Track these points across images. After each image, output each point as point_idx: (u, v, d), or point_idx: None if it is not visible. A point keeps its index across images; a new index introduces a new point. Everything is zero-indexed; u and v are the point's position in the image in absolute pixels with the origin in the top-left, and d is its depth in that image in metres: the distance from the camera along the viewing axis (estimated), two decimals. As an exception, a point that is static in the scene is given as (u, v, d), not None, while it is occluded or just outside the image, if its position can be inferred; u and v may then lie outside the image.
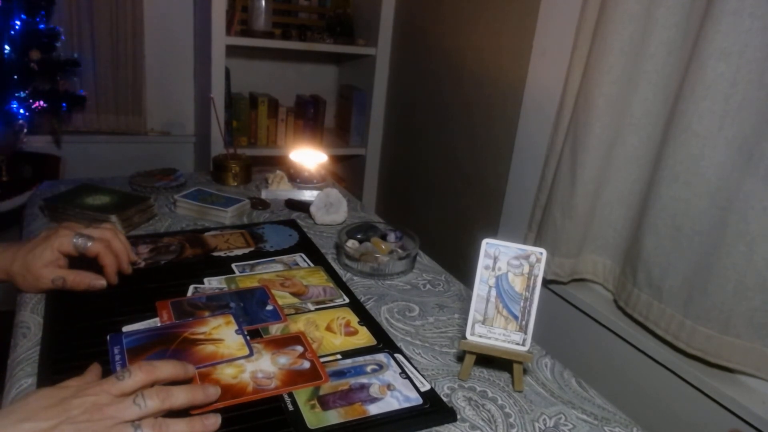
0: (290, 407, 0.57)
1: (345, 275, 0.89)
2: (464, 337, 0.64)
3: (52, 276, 0.71)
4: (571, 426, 0.61)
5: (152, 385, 0.52)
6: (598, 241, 1.26)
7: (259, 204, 1.15)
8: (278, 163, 1.91)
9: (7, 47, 1.77)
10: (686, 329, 1.04)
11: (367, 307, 0.80)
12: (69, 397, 0.47)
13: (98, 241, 0.74)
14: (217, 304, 0.75)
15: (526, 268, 0.63)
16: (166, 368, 0.53)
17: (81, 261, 0.75)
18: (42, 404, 0.46)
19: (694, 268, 1.02)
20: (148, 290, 0.77)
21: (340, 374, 0.63)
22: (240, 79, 2.29)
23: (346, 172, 2.62)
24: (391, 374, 0.64)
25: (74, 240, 0.73)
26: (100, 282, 0.74)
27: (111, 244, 0.75)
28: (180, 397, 0.51)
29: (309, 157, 1.31)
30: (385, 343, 0.71)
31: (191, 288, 0.79)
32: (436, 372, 0.67)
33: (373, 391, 0.61)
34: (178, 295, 0.77)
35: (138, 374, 0.50)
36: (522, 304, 0.63)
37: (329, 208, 1.09)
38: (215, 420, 0.52)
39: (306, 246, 0.98)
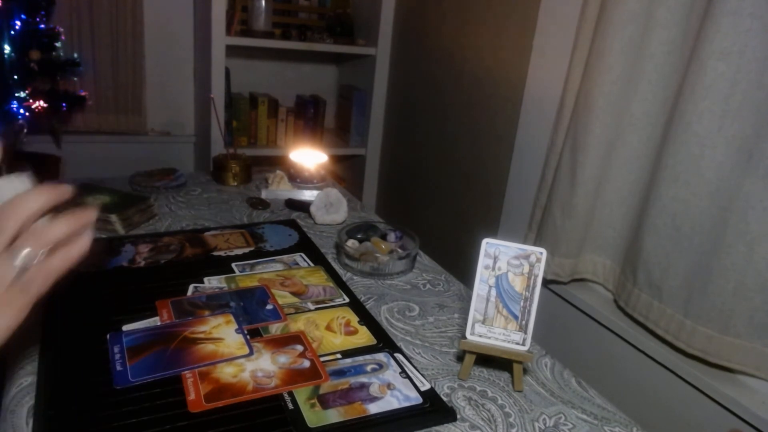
0: (290, 406, 0.57)
1: (345, 275, 0.89)
2: (464, 337, 0.64)
3: None
4: (571, 426, 0.60)
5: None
6: (598, 241, 1.26)
7: (259, 204, 1.15)
8: (278, 163, 1.91)
9: (7, 47, 1.76)
10: (686, 329, 1.04)
11: (367, 306, 0.80)
12: None
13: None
14: (217, 304, 0.75)
15: (526, 268, 0.63)
16: (59, 227, 0.46)
17: None
18: None
19: (694, 268, 1.02)
20: (148, 289, 0.77)
21: (340, 373, 0.63)
22: (240, 79, 2.29)
23: (346, 172, 2.62)
24: (391, 373, 0.64)
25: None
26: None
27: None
28: (57, 229, 0.46)
29: (309, 157, 1.31)
30: (385, 342, 0.71)
31: (191, 287, 0.79)
32: (436, 371, 0.67)
33: (373, 390, 0.61)
34: (178, 295, 0.77)
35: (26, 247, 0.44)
36: (522, 303, 0.63)
37: (329, 208, 1.09)
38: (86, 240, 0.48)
39: (306, 246, 0.98)
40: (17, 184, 0.47)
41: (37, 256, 0.45)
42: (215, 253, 0.91)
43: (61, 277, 0.47)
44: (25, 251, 0.44)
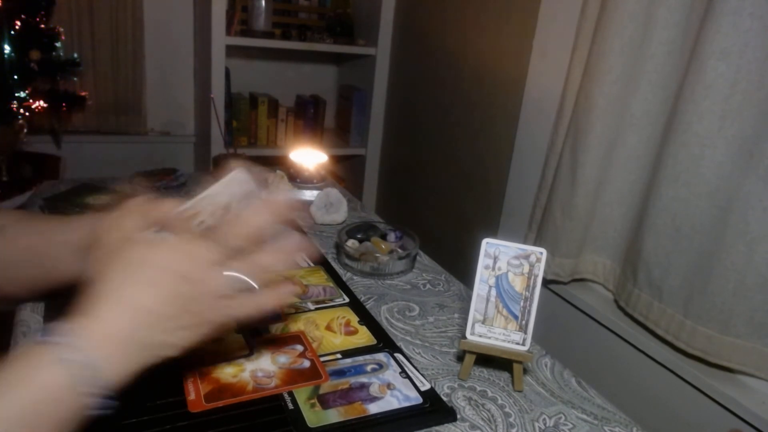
0: (290, 406, 0.57)
1: (345, 275, 0.89)
2: (464, 337, 0.64)
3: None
4: (571, 426, 0.60)
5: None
6: (598, 241, 1.26)
7: (259, 204, 1.15)
8: (278, 163, 1.91)
9: (7, 47, 1.76)
10: (686, 329, 1.04)
11: (367, 306, 0.80)
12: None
13: None
14: (217, 304, 0.75)
15: (526, 268, 0.63)
16: (279, 260, 0.47)
17: None
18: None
19: (694, 268, 1.02)
20: (148, 290, 0.77)
21: (340, 373, 0.63)
22: (240, 79, 2.29)
23: (346, 172, 2.62)
24: (391, 373, 0.64)
25: None
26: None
27: None
28: (277, 261, 0.46)
29: (309, 157, 1.31)
30: (385, 342, 0.71)
31: (191, 287, 0.79)
32: (436, 371, 0.67)
33: (373, 390, 0.61)
34: (178, 295, 0.76)
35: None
36: (522, 303, 0.63)
37: (329, 208, 1.09)
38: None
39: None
40: (243, 182, 0.45)
41: (250, 284, 0.44)
42: (215, 253, 0.91)
43: (262, 314, 0.45)
44: (243, 274, 0.43)
